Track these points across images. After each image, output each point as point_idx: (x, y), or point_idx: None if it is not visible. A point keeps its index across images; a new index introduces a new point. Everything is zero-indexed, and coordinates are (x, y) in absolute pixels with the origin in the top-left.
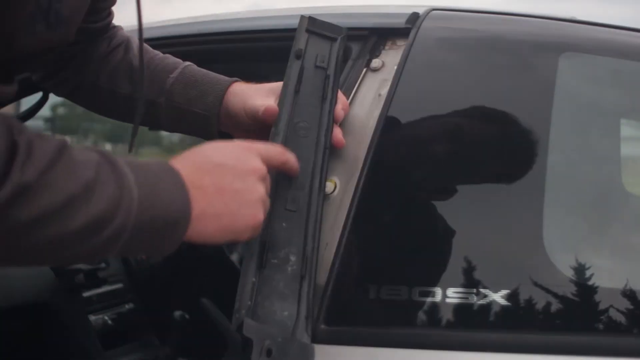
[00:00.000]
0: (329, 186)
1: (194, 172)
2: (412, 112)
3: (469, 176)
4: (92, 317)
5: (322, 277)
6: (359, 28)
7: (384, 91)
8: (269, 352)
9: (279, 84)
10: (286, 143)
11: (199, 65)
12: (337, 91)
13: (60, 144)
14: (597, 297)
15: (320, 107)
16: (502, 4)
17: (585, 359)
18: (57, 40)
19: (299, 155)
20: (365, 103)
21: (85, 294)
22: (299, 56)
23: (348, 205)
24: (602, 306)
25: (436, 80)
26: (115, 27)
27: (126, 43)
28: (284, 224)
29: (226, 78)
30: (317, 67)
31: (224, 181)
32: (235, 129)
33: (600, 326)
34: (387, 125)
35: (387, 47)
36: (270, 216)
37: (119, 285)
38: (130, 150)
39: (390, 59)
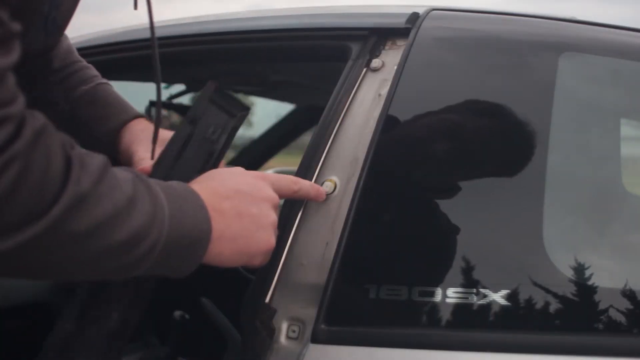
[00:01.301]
0: (329, 186)
1: (212, 195)
2: (412, 112)
3: (469, 176)
4: None
5: (322, 277)
6: (359, 28)
7: (384, 91)
8: None
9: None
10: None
11: (200, 65)
12: (218, 166)
13: (104, 160)
14: (597, 297)
15: (193, 176)
16: (502, 4)
17: (585, 359)
18: (49, 47)
19: None
20: (365, 103)
21: None
22: (193, 122)
23: (348, 205)
24: (602, 306)
25: (436, 80)
26: (78, 61)
27: (88, 78)
28: (116, 282)
29: (134, 111)
30: (206, 138)
31: (241, 206)
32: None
33: (600, 326)
34: (387, 125)
35: (387, 47)
36: None
37: None
38: (152, 158)
39: (390, 59)
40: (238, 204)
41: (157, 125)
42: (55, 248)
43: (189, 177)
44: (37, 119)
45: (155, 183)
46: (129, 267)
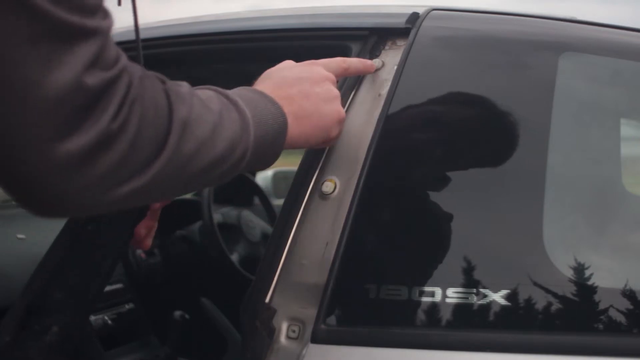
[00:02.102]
0: (329, 186)
1: (278, 88)
2: (412, 112)
3: (469, 176)
4: (92, 317)
5: (322, 277)
6: (359, 28)
7: (384, 91)
8: None
9: None
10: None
11: (198, 66)
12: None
13: (189, 86)
14: (596, 297)
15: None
16: (502, 4)
17: (585, 359)
18: None
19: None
20: (365, 103)
21: None
22: None
23: (348, 205)
24: (602, 306)
25: (436, 80)
26: None
27: None
28: (58, 295)
29: None
30: None
31: (305, 89)
32: None
33: (600, 326)
34: (387, 125)
35: (387, 47)
36: (45, 279)
37: (119, 285)
38: None
39: (390, 59)
40: (302, 88)
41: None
42: (175, 172)
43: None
44: (135, 66)
45: (231, 93)
46: (230, 171)
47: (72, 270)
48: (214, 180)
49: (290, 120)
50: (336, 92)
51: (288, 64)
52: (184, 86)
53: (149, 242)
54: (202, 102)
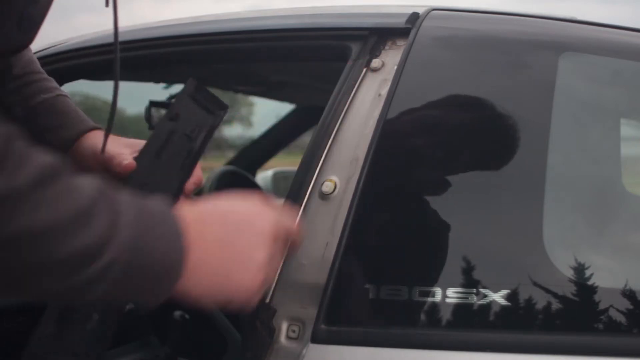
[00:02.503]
0: (329, 186)
1: (198, 221)
2: (412, 112)
3: (469, 176)
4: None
5: (322, 277)
6: (359, 28)
7: (384, 91)
8: None
9: (137, 141)
10: None
11: (198, 66)
12: (196, 164)
13: (58, 162)
14: (596, 297)
15: (174, 176)
16: (502, 4)
17: (585, 359)
18: (22, 46)
19: None
20: (365, 103)
21: None
22: (172, 119)
23: (348, 205)
24: (602, 306)
25: (436, 80)
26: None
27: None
28: None
29: (90, 123)
30: (186, 135)
31: (228, 236)
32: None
33: (600, 326)
34: (387, 125)
35: (387, 47)
36: None
37: None
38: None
39: (390, 59)
40: (225, 233)
41: (108, 131)
42: None
43: (169, 174)
44: None
45: (124, 201)
46: (79, 289)
47: None
48: (62, 292)
49: (188, 267)
50: (263, 256)
51: (238, 196)
52: (46, 158)
53: None
54: (64, 189)
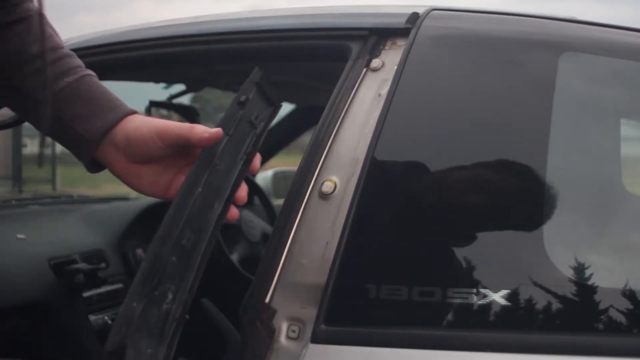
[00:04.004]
0: (329, 186)
1: None
2: (412, 112)
3: (469, 176)
4: (92, 317)
5: (322, 277)
6: (359, 28)
7: (384, 91)
8: None
9: (180, 125)
10: (202, 178)
11: (198, 66)
12: (256, 150)
13: None
14: (597, 297)
15: (238, 161)
16: (502, 4)
17: (585, 359)
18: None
19: (205, 198)
20: (365, 103)
21: (85, 294)
22: (241, 104)
23: (348, 205)
24: (602, 306)
25: (436, 80)
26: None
27: (28, 20)
28: (174, 258)
29: (125, 108)
30: (250, 121)
31: None
32: (129, 157)
33: (600, 326)
34: (387, 125)
35: (387, 47)
36: (166, 245)
37: (119, 285)
38: (40, 165)
39: (390, 59)
40: None
41: (42, 145)
42: None
43: (235, 158)
44: None
45: None
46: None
47: (185, 230)
48: None
49: None
50: None
51: None
52: None
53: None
54: None
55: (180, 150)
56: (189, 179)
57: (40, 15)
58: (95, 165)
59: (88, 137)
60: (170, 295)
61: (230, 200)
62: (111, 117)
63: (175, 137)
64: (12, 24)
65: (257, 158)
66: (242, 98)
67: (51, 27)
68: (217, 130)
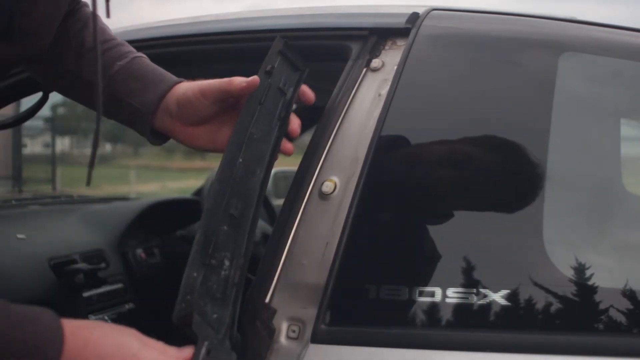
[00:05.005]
0: (329, 186)
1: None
2: (412, 112)
3: (469, 176)
4: (92, 317)
5: (322, 277)
6: (359, 28)
7: (384, 91)
8: (208, 352)
9: (219, 80)
10: (240, 149)
11: (199, 66)
12: (290, 115)
13: None
14: (597, 297)
15: (274, 126)
16: (502, 4)
17: (585, 359)
18: (30, 52)
19: (247, 167)
20: (365, 103)
21: (85, 294)
22: (268, 73)
23: (348, 205)
24: (602, 306)
25: (436, 80)
26: (79, 2)
27: (85, 20)
28: (225, 227)
29: (173, 78)
30: (279, 88)
31: None
32: (180, 124)
33: (600, 326)
34: (387, 125)
35: (387, 47)
36: (215, 216)
37: (119, 285)
38: (88, 184)
39: (390, 59)
40: None
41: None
42: None
43: (270, 124)
44: None
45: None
46: None
47: (232, 200)
48: None
49: None
50: None
51: (130, 333)
52: None
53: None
54: None
55: (226, 106)
56: (228, 152)
57: (94, 13)
58: (157, 137)
59: (144, 110)
60: (226, 262)
61: (271, 165)
62: (161, 88)
63: (217, 92)
64: (74, 23)
65: (297, 122)
66: (268, 67)
67: (103, 24)
68: (253, 78)
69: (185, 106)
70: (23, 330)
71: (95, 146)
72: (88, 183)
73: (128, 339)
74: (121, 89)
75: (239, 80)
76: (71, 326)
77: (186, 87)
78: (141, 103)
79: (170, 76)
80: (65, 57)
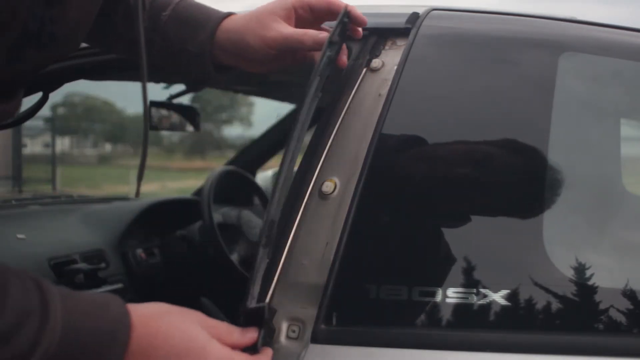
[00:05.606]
0: (329, 186)
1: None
2: (412, 112)
3: (469, 176)
4: None
5: (322, 277)
6: None
7: (384, 91)
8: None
9: (266, 6)
10: (306, 108)
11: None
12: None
13: None
14: (597, 297)
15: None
16: (502, 4)
17: (585, 359)
18: (58, 55)
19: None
20: (365, 103)
21: None
22: (331, 45)
23: (348, 205)
24: (602, 306)
25: (436, 80)
26: None
27: None
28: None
29: (218, 13)
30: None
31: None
32: (243, 60)
33: (600, 326)
34: (387, 125)
35: (387, 47)
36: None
37: (119, 285)
38: (137, 195)
39: (390, 59)
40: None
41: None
42: None
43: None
44: None
45: (80, 316)
46: None
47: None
48: None
49: None
50: None
51: (196, 317)
52: None
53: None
54: None
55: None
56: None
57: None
58: (220, 71)
59: (200, 52)
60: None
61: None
62: (209, 26)
63: (285, 43)
64: None
65: (344, 51)
66: (333, 40)
67: None
68: (324, 34)
69: (245, 50)
70: (93, 317)
71: (144, 154)
72: (137, 194)
73: (195, 330)
74: (174, 39)
75: (311, 34)
76: (139, 313)
77: (239, 27)
78: (195, 46)
79: (216, 12)
80: (114, 22)
